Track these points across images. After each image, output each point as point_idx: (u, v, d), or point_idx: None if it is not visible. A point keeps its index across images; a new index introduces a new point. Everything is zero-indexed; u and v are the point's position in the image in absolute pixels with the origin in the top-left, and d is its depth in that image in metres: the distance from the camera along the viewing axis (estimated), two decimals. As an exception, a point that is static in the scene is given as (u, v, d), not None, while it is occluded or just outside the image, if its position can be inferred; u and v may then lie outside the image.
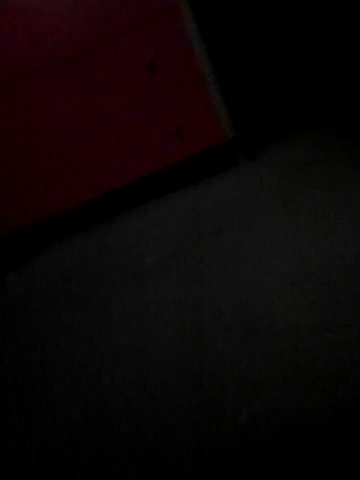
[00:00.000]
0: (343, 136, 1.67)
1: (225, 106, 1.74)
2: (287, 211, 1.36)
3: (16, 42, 1.64)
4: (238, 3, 1.82)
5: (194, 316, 1.09)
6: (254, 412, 0.77)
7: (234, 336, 0.96)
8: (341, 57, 1.86)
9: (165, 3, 1.62)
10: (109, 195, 1.85)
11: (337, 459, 0.64)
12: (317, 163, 1.56)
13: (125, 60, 1.68)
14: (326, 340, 0.84)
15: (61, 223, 1.89)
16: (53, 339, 1.25)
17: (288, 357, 0.84)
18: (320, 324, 0.88)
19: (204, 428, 0.79)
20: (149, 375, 0.96)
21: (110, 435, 0.86)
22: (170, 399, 0.88)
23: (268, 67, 1.88)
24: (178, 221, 1.59)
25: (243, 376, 0.85)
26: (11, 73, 1.65)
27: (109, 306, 1.30)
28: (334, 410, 0.71)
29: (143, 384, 0.95)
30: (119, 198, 1.89)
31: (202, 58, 1.69)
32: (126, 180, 1.81)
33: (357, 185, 1.34)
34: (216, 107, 1.75)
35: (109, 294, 1.36)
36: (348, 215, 1.21)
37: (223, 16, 1.82)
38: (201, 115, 1.75)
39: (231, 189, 1.67)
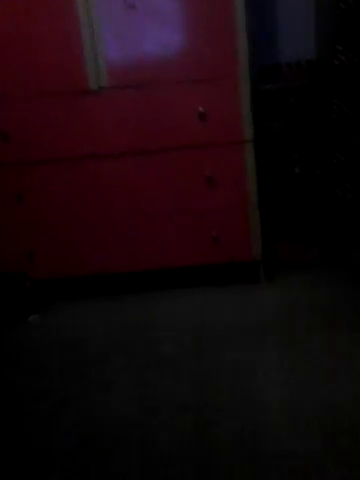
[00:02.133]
0: (352, 286, 1.91)
1: (259, 232, 2.00)
2: (288, 348, 1.54)
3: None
4: (288, 152, 2.15)
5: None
6: None
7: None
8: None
9: (237, 137, 1.94)
10: (144, 274, 2.08)
11: None
12: (323, 308, 1.77)
13: (189, 168, 1.97)
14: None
15: (94, 284, 2.10)
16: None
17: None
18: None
19: None
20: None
21: None
22: None
23: (304, 207, 2.18)
24: (196, 318, 1.78)
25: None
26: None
27: (113, 385, 1.42)
28: None
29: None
30: (151, 279, 2.10)
31: (253, 187, 1.98)
32: (160, 265, 2.05)
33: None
34: (252, 230, 2.01)
35: (115, 371, 1.49)
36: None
37: (275, 159, 2.15)
38: (238, 232, 2.01)
39: (247, 304, 1.88)
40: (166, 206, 2.00)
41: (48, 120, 1.94)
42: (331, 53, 1.66)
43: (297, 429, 1.13)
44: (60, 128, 1.95)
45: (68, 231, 2.02)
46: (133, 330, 1.73)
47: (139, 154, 1.97)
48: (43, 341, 1.77)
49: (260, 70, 2.27)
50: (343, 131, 1.71)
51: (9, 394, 1.43)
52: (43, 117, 1.94)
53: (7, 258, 2.04)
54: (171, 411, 1.25)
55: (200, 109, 1.93)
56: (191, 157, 1.97)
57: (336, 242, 2.15)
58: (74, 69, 1.91)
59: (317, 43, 2.37)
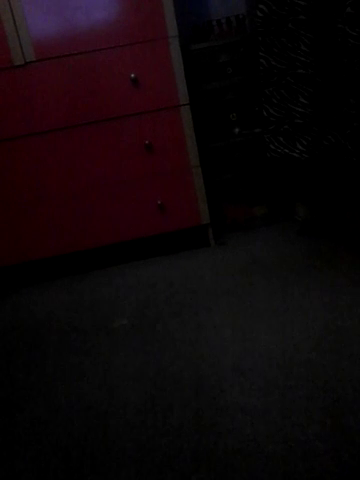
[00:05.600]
0: (298, 240, 1.94)
1: (204, 195, 1.99)
2: (239, 306, 1.56)
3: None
4: (225, 112, 2.12)
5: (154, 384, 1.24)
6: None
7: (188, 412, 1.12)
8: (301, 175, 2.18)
9: (172, 101, 1.90)
10: (94, 251, 2.05)
11: None
12: (272, 264, 1.80)
13: (127, 137, 1.92)
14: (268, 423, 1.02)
15: (49, 267, 2.07)
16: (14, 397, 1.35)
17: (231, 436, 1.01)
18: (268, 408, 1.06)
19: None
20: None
21: None
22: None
23: (247, 166, 2.17)
24: (150, 288, 1.76)
25: (196, 447, 1.00)
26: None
27: (73, 361, 1.41)
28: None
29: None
30: (102, 256, 2.07)
31: (193, 151, 1.95)
32: (109, 241, 2.02)
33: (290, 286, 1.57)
34: (197, 194, 2.00)
35: (78, 350, 1.48)
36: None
37: (215, 122, 2.12)
38: (183, 198, 1.99)
39: (198, 268, 1.88)
40: (108, 179, 1.96)
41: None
42: (256, 6, 1.63)
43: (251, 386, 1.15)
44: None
45: (8, 215, 1.96)
46: (91, 309, 1.71)
47: (75, 127, 1.90)
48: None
49: (192, 30, 2.21)
50: (270, 84, 1.69)
51: None
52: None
53: None
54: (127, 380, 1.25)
55: (132, 75, 1.87)
56: (128, 126, 1.92)
57: (282, 198, 2.17)
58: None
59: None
